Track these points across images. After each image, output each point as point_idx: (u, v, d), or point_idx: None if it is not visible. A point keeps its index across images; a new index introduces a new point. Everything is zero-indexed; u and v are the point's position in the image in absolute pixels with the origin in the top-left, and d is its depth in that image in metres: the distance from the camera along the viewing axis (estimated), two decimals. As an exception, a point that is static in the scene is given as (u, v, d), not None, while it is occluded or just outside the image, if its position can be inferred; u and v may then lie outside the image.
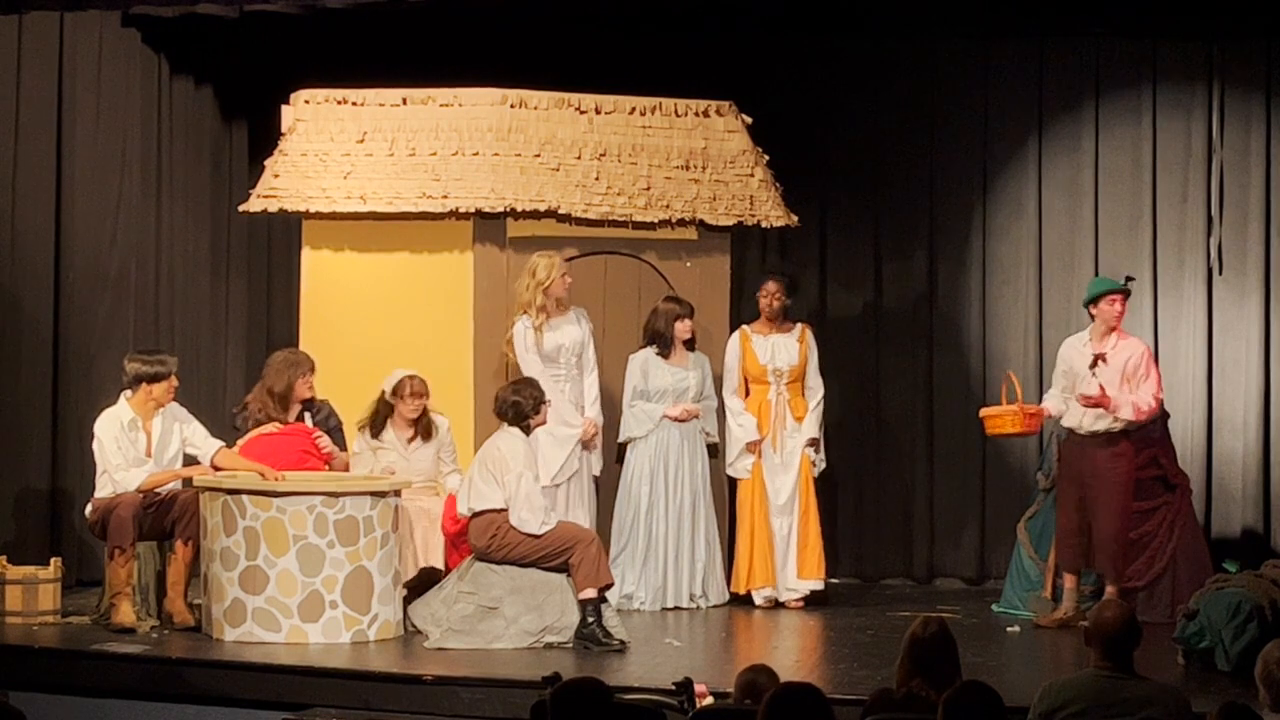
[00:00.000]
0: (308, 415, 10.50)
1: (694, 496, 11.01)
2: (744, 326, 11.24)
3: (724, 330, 11.34)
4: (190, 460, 10.24)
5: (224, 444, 10.25)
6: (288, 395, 10.41)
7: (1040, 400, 10.89)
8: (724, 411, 11.15)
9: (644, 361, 11.03)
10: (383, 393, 10.50)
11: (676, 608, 10.92)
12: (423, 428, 10.56)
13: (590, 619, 9.69)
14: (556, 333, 10.69)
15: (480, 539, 9.84)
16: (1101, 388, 10.28)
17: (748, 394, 11.17)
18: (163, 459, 10.13)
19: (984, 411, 10.78)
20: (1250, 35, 11.77)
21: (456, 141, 10.84)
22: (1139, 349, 10.44)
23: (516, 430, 9.93)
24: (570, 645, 9.70)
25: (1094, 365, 10.43)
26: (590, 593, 9.73)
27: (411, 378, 10.49)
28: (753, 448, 11.10)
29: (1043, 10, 11.94)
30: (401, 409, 10.48)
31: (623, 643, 9.68)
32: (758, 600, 11.04)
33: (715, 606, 11.02)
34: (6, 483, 11.38)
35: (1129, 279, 10.68)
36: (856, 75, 12.34)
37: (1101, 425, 10.34)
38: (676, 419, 10.96)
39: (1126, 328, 11.34)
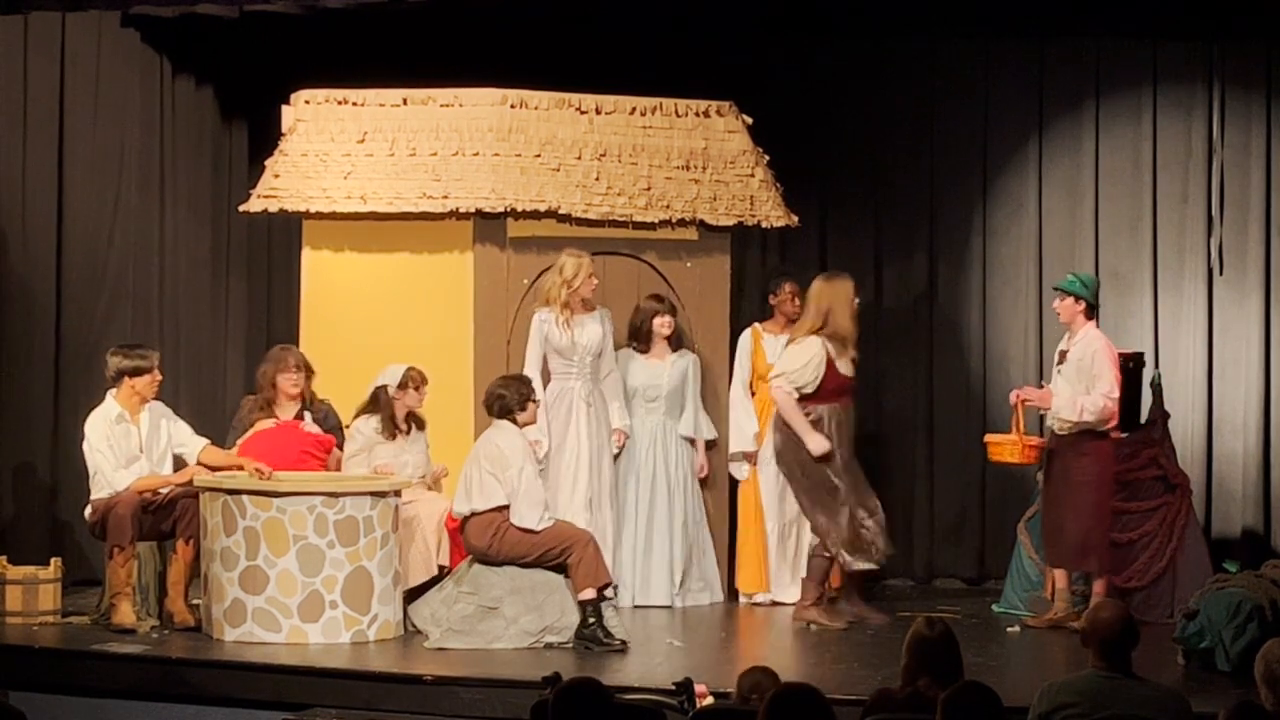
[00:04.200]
0: (307, 414, 10.50)
1: (656, 496, 10.96)
2: (756, 325, 11.24)
3: (724, 330, 11.34)
4: (177, 459, 10.23)
5: (209, 441, 10.25)
6: (268, 389, 10.42)
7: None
8: (728, 408, 11.17)
9: (625, 359, 11.04)
10: (384, 388, 10.46)
11: (649, 605, 10.88)
12: (415, 418, 10.55)
13: (590, 619, 9.69)
14: (578, 330, 10.70)
15: (480, 539, 9.84)
16: (1042, 385, 10.29)
17: (754, 393, 11.19)
18: (154, 454, 10.14)
19: (988, 438, 10.78)
20: (1250, 35, 11.77)
21: (457, 141, 10.84)
22: (1093, 347, 10.35)
23: (509, 424, 9.95)
24: (570, 645, 9.70)
25: (1060, 362, 10.47)
26: (590, 593, 9.73)
27: (412, 369, 10.47)
28: (750, 457, 11.11)
29: (1043, 10, 11.94)
30: (408, 401, 10.46)
31: (623, 642, 9.68)
32: (752, 600, 11.05)
33: (713, 604, 11.03)
34: (7, 482, 11.38)
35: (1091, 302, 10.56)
36: (856, 75, 12.34)
37: (1068, 423, 10.30)
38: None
39: (1128, 327, 11.38)
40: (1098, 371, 10.27)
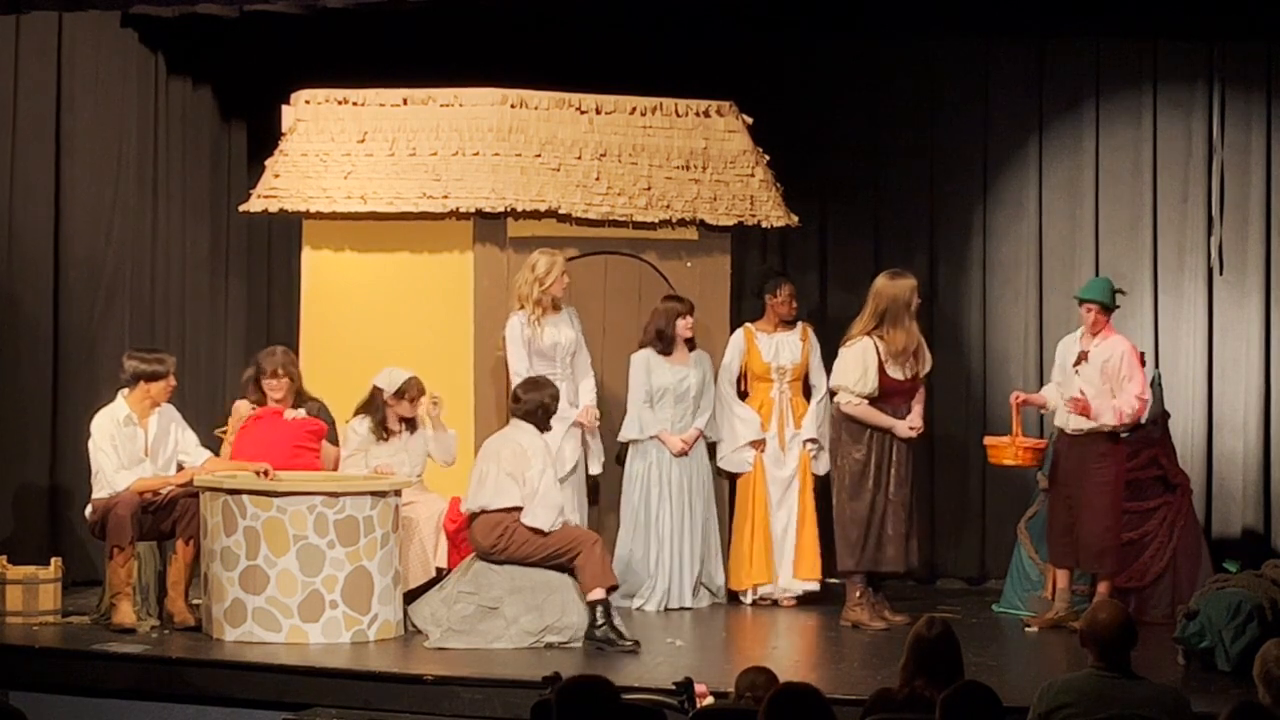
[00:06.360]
0: (301, 411, 10.49)
1: (692, 498, 11.00)
2: (748, 325, 11.25)
3: (724, 330, 11.34)
4: (178, 465, 10.24)
5: (212, 454, 10.26)
6: (254, 394, 10.43)
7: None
8: (718, 405, 11.16)
9: (646, 361, 11.02)
10: (380, 390, 10.46)
11: (682, 608, 10.91)
12: (410, 420, 10.55)
13: (601, 620, 9.68)
14: (553, 330, 10.67)
15: (487, 538, 9.83)
16: (1083, 394, 10.27)
17: (746, 393, 11.19)
18: (159, 458, 10.15)
19: (988, 440, 10.80)
20: (1250, 35, 11.76)
21: (457, 141, 10.85)
22: (1120, 349, 10.36)
23: (531, 427, 9.94)
24: (570, 645, 9.70)
25: (1077, 363, 10.45)
26: (599, 593, 9.72)
27: (412, 380, 10.46)
28: (756, 445, 11.10)
29: (1043, 10, 11.94)
30: (400, 410, 10.46)
31: (635, 642, 9.67)
32: (751, 598, 11.05)
33: (715, 603, 11.03)
34: (7, 482, 11.39)
35: (1118, 292, 10.56)
36: (856, 75, 12.35)
37: (1086, 425, 10.33)
38: (675, 454, 10.96)
39: (1129, 327, 11.35)
40: (1127, 373, 10.29)
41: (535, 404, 9.95)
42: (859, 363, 10.43)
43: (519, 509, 9.81)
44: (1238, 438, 11.91)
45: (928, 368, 10.71)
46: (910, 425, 10.53)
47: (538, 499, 9.81)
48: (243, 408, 10.49)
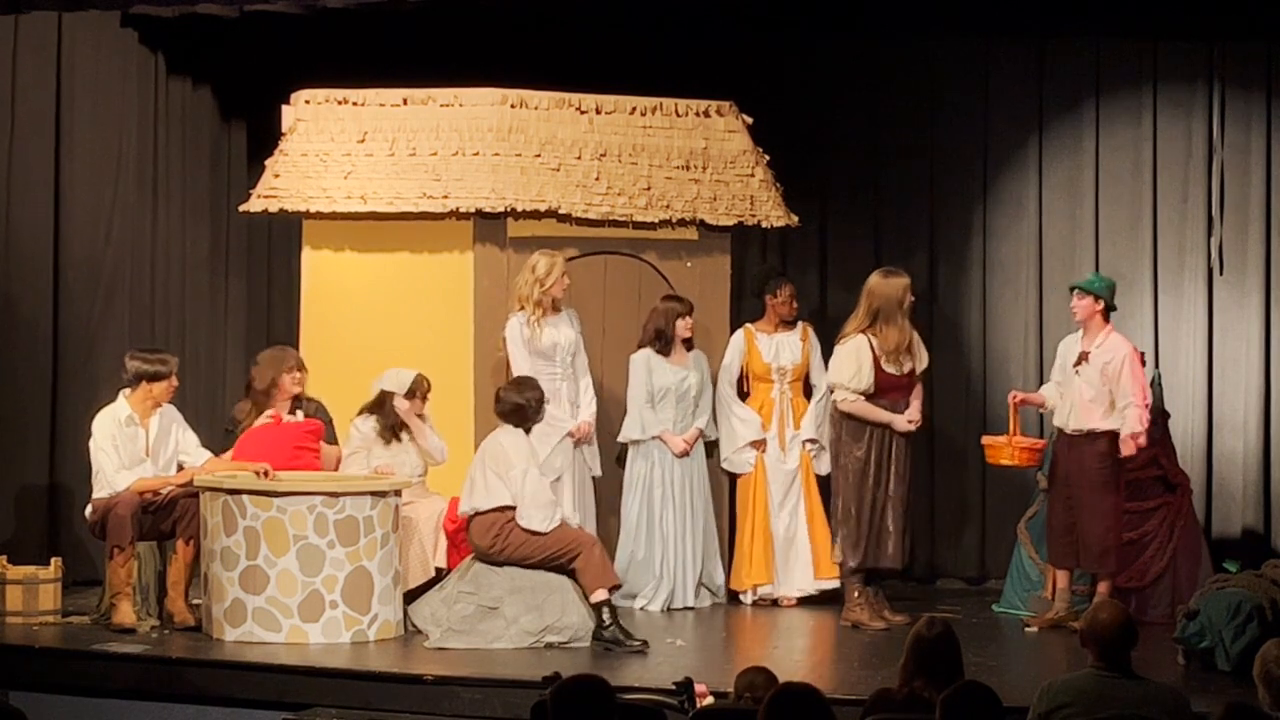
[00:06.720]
0: (299, 414, 10.49)
1: (694, 497, 11.02)
2: (748, 325, 11.26)
3: (724, 330, 11.34)
4: (181, 468, 10.23)
5: (212, 454, 10.25)
6: (271, 391, 10.42)
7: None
8: (718, 406, 11.16)
9: (647, 361, 11.02)
10: (390, 394, 10.45)
11: (686, 608, 10.92)
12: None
13: (609, 621, 9.68)
14: (553, 330, 10.67)
15: (484, 539, 9.84)
16: (1134, 437, 10.25)
17: (748, 393, 11.20)
18: (160, 458, 10.15)
19: (985, 440, 10.83)
20: (1250, 35, 11.77)
21: (457, 141, 10.85)
22: (1122, 353, 10.36)
23: (512, 427, 9.94)
24: (570, 645, 9.69)
25: (1078, 364, 10.44)
26: (602, 594, 9.73)
27: (421, 377, 10.47)
28: (757, 445, 11.10)
29: (1043, 10, 11.94)
30: (412, 409, 10.45)
31: (644, 642, 9.66)
32: (751, 598, 11.05)
33: (715, 603, 11.03)
34: (7, 482, 11.39)
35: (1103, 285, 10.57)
36: (856, 75, 12.35)
37: (1086, 426, 10.33)
38: (678, 454, 10.97)
39: (1129, 327, 11.35)
40: (1128, 380, 10.28)
41: (511, 405, 9.95)
42: (853, 359, 10.45)
43: (512, 508, 9.81)
44: (1238, 438, 11.91)
45: (924, 364, 10.73)
46: (909, 419, 10.54)
47: (527, 500, 9.80)
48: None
